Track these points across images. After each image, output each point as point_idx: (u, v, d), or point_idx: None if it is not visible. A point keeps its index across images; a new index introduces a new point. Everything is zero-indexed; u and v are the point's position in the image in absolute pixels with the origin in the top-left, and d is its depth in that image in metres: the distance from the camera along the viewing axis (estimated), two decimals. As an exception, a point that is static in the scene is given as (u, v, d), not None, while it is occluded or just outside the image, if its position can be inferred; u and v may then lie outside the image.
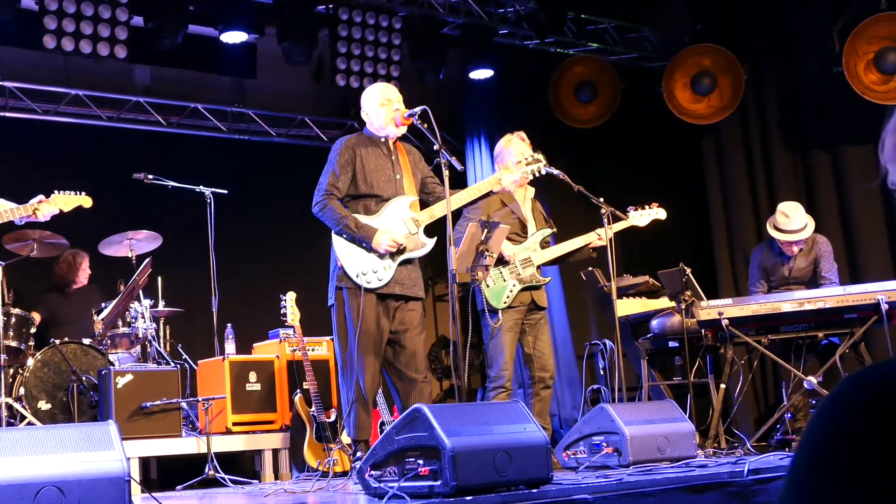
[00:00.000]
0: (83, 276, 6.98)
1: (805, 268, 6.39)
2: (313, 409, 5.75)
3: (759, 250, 6.69)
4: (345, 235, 4.65)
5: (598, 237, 5.49)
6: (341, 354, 4.74)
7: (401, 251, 4.68)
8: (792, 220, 6.26)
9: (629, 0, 8.19)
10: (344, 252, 4.68)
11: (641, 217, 5.69)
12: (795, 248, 6.33)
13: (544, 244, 5.53)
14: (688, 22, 8.21)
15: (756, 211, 7.89)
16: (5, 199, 4.99)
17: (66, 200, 5.08)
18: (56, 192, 5.07)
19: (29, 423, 5.49)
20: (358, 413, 4.68)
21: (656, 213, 5.71)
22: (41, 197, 5.00)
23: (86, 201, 5.19)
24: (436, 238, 4.78)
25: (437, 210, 4.77)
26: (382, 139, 4.86)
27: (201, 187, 6.29)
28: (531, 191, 5.61)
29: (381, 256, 4.66)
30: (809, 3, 7.61)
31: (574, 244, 5.55)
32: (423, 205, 4.86)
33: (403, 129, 4.84)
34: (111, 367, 5.72)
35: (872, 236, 7.37)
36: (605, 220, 5.37)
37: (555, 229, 5.69)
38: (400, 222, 4.73)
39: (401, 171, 4.84)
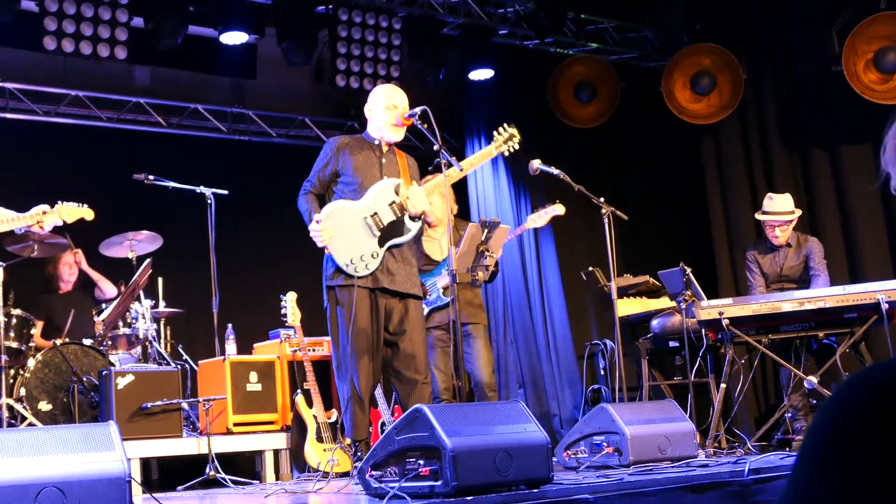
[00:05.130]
0: (65, 270, 6.93)
1: (796, 265, 6.42)
2: (314, 409, 5.75)
3: (752, 247, 6.71)
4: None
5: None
6: (335, 353, 4.75)
7: (385, 237, 4.67)
8: (776, 203, 6.41)
9: (628, 0, 8.19)
10: (333, 243, 4.66)
11: (538, 220, 5.87)
12: (778, 232, 6.35)
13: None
14: (687, 21, 8.20)
15: (755, 210, 7.89)
16: (4, 206, 4.90)
17: (70, 212, 4.99)
18: (60, 202, 4.98)
19: (30, 424, 5.49)
20: (353, 413, 4.68)
21: (553, 209, 5.81)
22: (45, 207, 4.89)
23: (88, 213, 5.10)
24: (420, 222, 4.78)
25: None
26: (377, 142, 4.85)
27: (201, 188, 6.28)
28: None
29: (368, 240, 4.65)
30: (809, 3, 7.60)
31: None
32: None
33: (401, 134, 4.82)
34: (112, 368, 5.71)
35: (872, 235, 7.36)
36: (606, 220, 5.37)
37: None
38: (385, 207, 4.71)
39: (390, 173, 4.81)
